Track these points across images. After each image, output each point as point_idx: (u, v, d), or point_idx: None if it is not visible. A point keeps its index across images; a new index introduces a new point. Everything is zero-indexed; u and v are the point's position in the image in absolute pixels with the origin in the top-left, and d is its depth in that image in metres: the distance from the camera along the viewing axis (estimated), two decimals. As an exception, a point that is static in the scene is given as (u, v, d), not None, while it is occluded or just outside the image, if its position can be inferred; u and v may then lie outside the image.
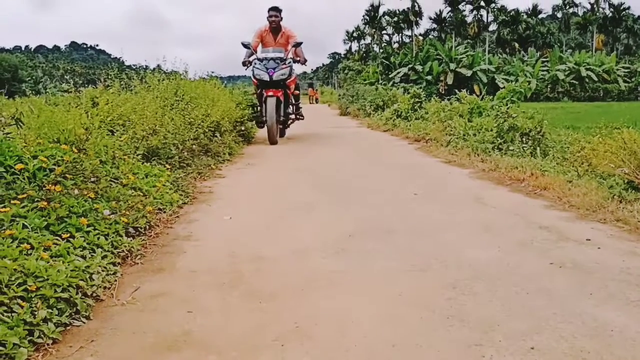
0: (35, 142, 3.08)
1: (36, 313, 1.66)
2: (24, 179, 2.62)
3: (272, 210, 3.57)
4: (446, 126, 7.17)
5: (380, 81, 36.00)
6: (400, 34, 71.61)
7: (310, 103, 38.38)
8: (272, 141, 7.54)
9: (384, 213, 3.43)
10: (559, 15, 71.92)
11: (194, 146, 5.16)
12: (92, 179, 3.01)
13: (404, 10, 67.58)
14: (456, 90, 9.24)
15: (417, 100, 10.73)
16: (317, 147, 7.44)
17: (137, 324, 1.82)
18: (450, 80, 38.67)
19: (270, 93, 7.61)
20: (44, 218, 2.36)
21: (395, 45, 68.28)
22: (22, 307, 1.65)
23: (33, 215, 2.33)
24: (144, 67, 9.75)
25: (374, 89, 17.26)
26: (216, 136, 6.04)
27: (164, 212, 3.26)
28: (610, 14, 62.72)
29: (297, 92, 8.57)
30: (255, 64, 7.86)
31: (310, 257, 2.55)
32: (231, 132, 7.02)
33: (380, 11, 70.54)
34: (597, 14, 61.48)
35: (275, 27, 8.27)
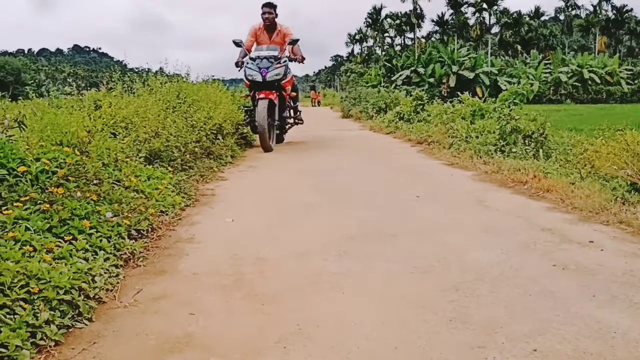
0: (38, 145, 3.08)
1: (38, 315, 1.66)
2: (26, 181, 2.62)
3: (274, 212, 3.57)
4: (448, 128, 7.16)
5: (383, 84, 35.98)
6: (403, 37, 71.66)
7: (312, 106, 38.42)
8: (265, 148, 6.97)
9: (386, 215, 3.42)
10: (562, 17, 71.88)
11: (196, 149, 5.17)
12: (95, 182, 3.01)
13: (406, 12, 67.66)
14: (458, 93, 9.23)
15: (419, 102, 10.73)
16: (319, 150, 7.44)
17: (140, 326, 1.82)
18: (452, 83, 38.63)
19: (262, 95, 7.01)
20: (46, 220, 2.36)
21: (398, 48, 68.26)
22: (24, 309, 1.65)
23: (35, 217, 2.34)
24: (146, 69, 9.75)
25: (376, 92, 17.26)
26: (218, 139, 6.04)
27: (166, 214, 3.26)
28: (613, 16, 62.70)
29: (294, 93, 7.93)
30: (247, 63, 7.26)
31: (312, 259, 2.55)
32: (233, 134, 7.02)
33: (383, 14, 70.65)
34: (600, 16, 61.45)
35: (269, 25, 7.74)
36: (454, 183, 4.58)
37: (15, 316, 1.61)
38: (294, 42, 7.45)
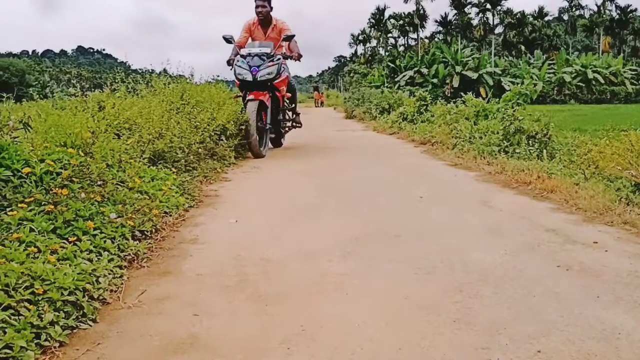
0: (42, 146, 3.09)
1: (43, 316, 1.66)
2: (31, 182, 2.63)
3: (277, 213, 3.57)
4: (452, 129, 7.16)
5: (386, 84, 35.98)
6: (406, 37, 71.63)
7: (316, 106, 38.45)
8: (255, 154, 6.39)
9: (390, 216, 3.42)
10: (565, 17, 71.74)
11: (200, 150, 5.18)
12: (99, 183, 3.02)
13: (409, 13, 67.60)
14: (462, 93, 9.22)
15: (423, 103, 10.73)
16: (323, 150, 7.43)
17: (144, 327, 1.82)
18: (456, 83, 38.61)
19: (252, 96, 6.44)
20: (50, 221, 2.37)
21: (401, 48, 68.28)
22: (29, 310, 1.65)
23: (40, 218, 2.35)
24: (150, 71, 9.75)
25: (379, 92, 17.28)
26: (222, 140, 6.05)
27: (170, 215, 3.27)
28: (617, 16, 62.52)
29: (289, 94, 7.29)
30: (237, 61, 6.68)
31: (316, 260, 2.55)
32: (237, 135, 7.02)
33: (386, 14, 70.62)
34: (604, 16, 61.30)
35: (264, 19, 7.11)
36: (457, 184, 4.57)
37: (20, 317, 1.62)
38: (289, 37, 6.89)
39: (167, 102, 5.61)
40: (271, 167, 5.75)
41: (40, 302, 1.72)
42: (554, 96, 39.70)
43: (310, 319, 1.89)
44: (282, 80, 6.85)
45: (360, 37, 76.62)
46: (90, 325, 1.81)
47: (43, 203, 2.50)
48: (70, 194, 2.66)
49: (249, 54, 6.61)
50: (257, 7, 7.02)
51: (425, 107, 10.59)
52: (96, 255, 2.27)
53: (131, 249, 2.51)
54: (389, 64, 46.31)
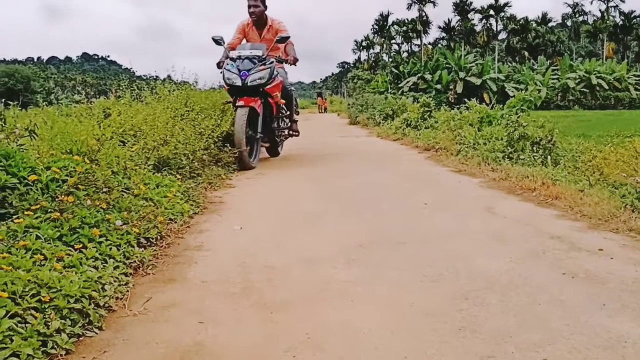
0: (48, 153, 3.11)
1: (49, 324, 1.67)
2: (37, 190, 2.64)
3: (282, 219, 3.58)
4: (456, 135, 7.16)
5: (390, 90, 36.06)
6: (409, 43, 71.79)
7: (319, 112, 38.52)
8: (243, 165, 5.82)
9: (394, 222, 3.42)
10: (569, 23, 71.79)
11: (204, 156, 5.19)
12: (104, 190, 3.03)
13: (412, 19, 67.79)
14: (466, 99, 9.23)
15: (426, 109, 10.73)
16: (326, 156, 7.43)
17: (149, 335, 1.83)
18: (459, 89, 38.68)
19: (241, 102, 5.93)
20: (57, 229, 2.38)
21: (405, 55, 68.44)
22: (35, 317, 1.66)
23: (46, 226, 2.36)
24: (154, 77, 9.77)
25: (383, 98, 17.31)
26: (226, 146, 6.06)
27: (175, 222, 3.28)
28: (621, 22, 62.54)
29: (283, 101, 6.69)
30: (226, 64, 6.17)
31: (320, 267, 2.55)
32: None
33: (390, 20, 70.83)
34: (607, 22, 61.30)
35: (258, 20, 6.61)
36: (461, 190, 4.57)
37: (27, 325, 1.62)
38: (283, 39, 6.34)
39: (171, 109, 5.63)
40: (275, 173, 5.76)
41: (46, 310, 1.72)
42: (557, 102, 39.71)
43: (316, 326, 1.89)
44: (276, 85, 6.31)
45: (364, 43, 76.87)
46: (96, 333, 1.81)
47: (49, 210, 2.51)
48: (76, 201, 2.67)
49: (239, 57, 6.11)
50: (249, 7, 6.56)
51: (429, 113, 10.60)
52: (102, 263, 2.28)
53: (136, 256, 2.51)
54: (393, 70, 46.44)
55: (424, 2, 66.00)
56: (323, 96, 45.41)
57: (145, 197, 3.36)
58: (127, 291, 2.18)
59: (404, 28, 69.42)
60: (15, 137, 3.15)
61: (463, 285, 2.27)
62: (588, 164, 4.73)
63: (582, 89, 40.87)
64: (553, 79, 42.40)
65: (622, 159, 4.06)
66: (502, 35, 67.27)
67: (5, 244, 2.09)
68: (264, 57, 6.10)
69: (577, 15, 68.70)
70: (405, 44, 72.72)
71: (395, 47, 73.25)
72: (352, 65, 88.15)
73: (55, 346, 1.64)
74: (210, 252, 2.81)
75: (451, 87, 39.98)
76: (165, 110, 5.41)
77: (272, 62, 6.15)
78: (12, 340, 1.53)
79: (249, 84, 5.95)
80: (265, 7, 6.62)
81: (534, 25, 65.26)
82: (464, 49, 46.59)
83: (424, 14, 66.14)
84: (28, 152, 3.02)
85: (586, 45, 71.43)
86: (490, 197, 4.16)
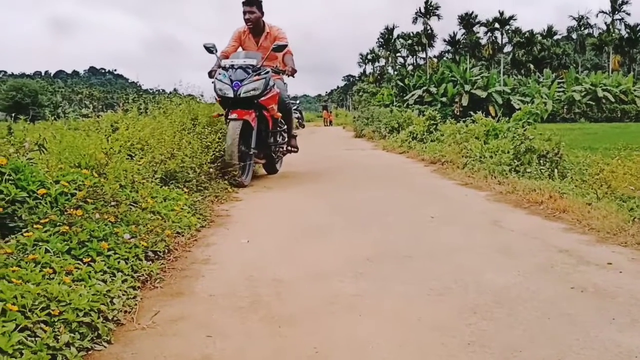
0: (57, 167, 3.13)
1: (59, 337, 1.67)
2: (46, 203, 2.66)
3: (289, 233, 3.58)
4: (462, 148, 7.17)
5: (395, 103, 36.14)
6: (415, 56, 72.05)
7: (324, 125, 38.60)
8: (235, 183, 5.40)
9: (401, 236, 3.42)
10: (574, 36, 71.90)
11: (211, 169, 5.20)
12: (112, 203, 3.05)
13: (417, 32, 68.10)
14: (471, 112, 9.25)
15: (432, 122, 10.75)
16: (332, 170, 7.44)
17: (158, 348, 1.83)
18: (465, 102, 38.73)
19: (234, 115, 5.56)
20: (65, 242, 2.39)
21: (410, 68, 68.64)
22: (45, 331, 1.67)
23: (55, 239, 2.37)
24: (161, 90, 9.81)
25: (388, 111, 17.34)
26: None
27: (182, 235, 3.28)
28: (627, 35, 62.58)
29: (279, 114, 6.17)
30: (218, 74, 5.75)
31: (328, 280, 2.55)
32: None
33: (395, 34, 71.15)
34: (613, 35, 61.37)
35: (254, 27, 6.19)
36: (468, 203, 4.56)
37: (37, 338, 1.63)
38: (280, 47, 5.87)
39: (178, 123, 5.66)
40: (281, 186, 5.77)
41: (56, 324, 1.73)
42: (563, 114, 39.68)
43: (324, 340, 1.89)
44: (271, 97, 5.86)
45: (369, 57, 77.23)
46: (105, 347, 1.82)
47: (58, 224, 2.52)
48: (85, 215, 2.68)
49: (232, 66, 5.68)
50: (244, 13, 6.12)
51: (434, 126, 10.62)
52: (110, 276, 2.28)
53: (144, 270, 2.52)
54: (398, 83, 46.56)
55: (429, 16, 66.33)
56: (328, 109, 45.48)
57: (153, 210, 3.37)
58: (136, 305, 2.18)
59: (409, 41, 69.74)
60: (24, 151, 3.18)
61: (471, 299, 2.26)
62: (595, 177, 4.72)
63: (588, 102, 40.84)
64: (559, 91, 42.42)
65: (629, 172, 4.05)
66: (508, 48, 67.42)
67: (15, 258, 2.10)
68: (258, 66, 5.69)
69: (582, 28, 68.85)
70: (410, 57, 73.04)
71: (400, 60, 73.54)
72: (357, 78, 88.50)
73: (65, 360, 1.64)
74: (218, 265, 2.82)
75: (456, 100, 40.03)
76: (172, 124, 5.44)
77: (267, 72, 5.74)
78: (22, 354, 1.54)
79: (242, 95, 5.54)
80: (262, 13, 6.22)
81: (540, 38, 65.42)
82: (469, 62, 46.67)
83: (429, 27, 66.42)
84: (37, 166, 3.04)
85: (592, 57, 71.50)
86: (497, 211, 4.15)
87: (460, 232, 3.49)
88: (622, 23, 63.37)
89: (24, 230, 2.41)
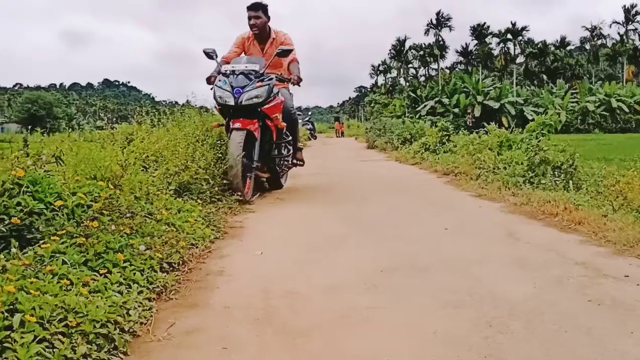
0: (73, 179, 3.16)
1: (76, 349, 1.68)
2: (63, 215, 2.69)
3: (302, 244, 3.58)
4: (475, 159, 7.14)
5: (407, 114, 36.13)
6: (427, 67, 72.09)
7: (337, 136, 38.65)
8: (236, 189, 5.03)
9: (415, 248, 3.41)
10: (587, 47, 71.60)
11: (224, 181, 5.22)
12: (128, 215, 3.07)
13: (429, 44, 68.19)
14: (484, 123, 9.22)
15: (445, 133, 10.73)
16: (345, 181, 7.44)
17: (173, 360, 1.83)
18: (477, 113, 38.64)
19: (237, 125, 5.15)
20: (82, 254, 2.41)
21: (422, 79, 68.68)
22: (63, 342, 1.68)
23: (72, 251, 2.39)
24: (174, 102, 9.84)
25: (400, 122, 17.33)
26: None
27: (197, 247, 3.30)
28: (640, 45, 62.20)
29: (284, 124, 5.72)
30: (218, 80, 5.36)
31: (343, 292, 2.54)
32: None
33: (407, 45, 71.29)
34: (627, 45, 61.02)
35: (260, 33, 5.83)
36: (482, 215, 4.54)
37: (54, 350, 1.64)
38: (285, 52, 5.48)
39: (192, 135, 5.69)
40: (294, 197, 5.77)
41: (73, 335, 1.74)
42: (577, 125, 39.41)
43: (339, 353, 1.89)
44: (275, 105, 5.46)
45: (381, 68, 77.42)
46: (122, 358, 1.82)
47: (75, 235, 2.55)
48: (101, 227, 2.71)
49: (233, 72, 5.30)
50: (249, 18, 5.76)
51: (447, 137, 10.59)
52: (126, 288, 2.30)
53: (160, 281, 2.53)
54: (410, 94, 46.58)
55: (440, 27, 66.46)
56: (340, 120, 45.54)
57: (168, 222, 3.39)
58: (151, 316, 2.19)
59: (421, 52, 69.83)
60: (42, 164, 3.22)
61: (487, 311, 2.25)
62: (611, 188, 4.68)
63: (602, 112, 40.57)
64: (572, 102, 42.19)
65: (646, 184, 4.01)
66: (520, 59, 67.24)
67: (33, 269, 2.12)
68: (261, 72, 5.31)
69: (595, 39, 68.54)
70: (422, 68, 73.09)
71: (412, 71, 73.64)
72: (369, 89, 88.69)
73: (82, 371, 1.65)
74: (232, 277, 2.82)
75: (469, 111, 39.95)
76: (186, 136, 5.46)
77: (271, 79, 5.34)
78: (40, 366, 1.55)
79: (243, 103, 5.14)
80: (268, 18, 5.85)
81: (552, 48, 65.20)
82: (482, 73, 46.62)
83: (440, 38, 66.52)
84: (54, 178, 3.08)
85: (605, 68, 71.09)
86: (511, 222, 4.13)
87: (475, 244, 3.47)
88: (636, 33, 63.07)
89: (41, 241, 2.43)
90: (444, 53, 67.23)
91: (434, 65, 69.04)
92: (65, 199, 2.78)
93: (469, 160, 7.40)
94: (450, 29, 67.24)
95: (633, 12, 62.24)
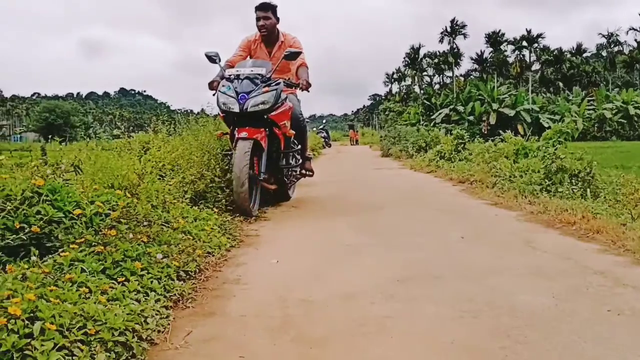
0: (91, 188, 3.20)
1: (95, 356, 1.70)
2: (81, 223, 2.71)
3: (318, 253, 3.58)
4: (491, 167, 7.10)
5: (422, 122, 36.05)
6: (441, 75, 71.97)
7: (351, 144, 38.69)
8: (243, 211, 4.69)
9: (431, 257, 3.39)
10: (604, 53, 71.02)
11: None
12: (145, 223, 3.10)
13: (444, 51, 68.10)
14: (500, 131, 9.18)
15: (460, 141, 10.70)
16: (360, 189, 7.44)
17: (191, 369, 1.84)
18: (493, 121, 38.43)
19: (244, 133, 4.78)
20: (100, 262, 2.44)
21: (436, 87, 68.55)
22: (82, 350, 1.69)
23: (90, 259, 2.41)
24: (189, 111, 9.91)
25: (415, 130, 17.30)
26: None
27: (213, 255, 3.31)
28: (658, 51, 61.59)
29: (292, 132, 5.38)
30: (221, 86, 5.00)
31: (358, 301, 2.54)
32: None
33: (421, 53, 71.25)
34: (644, 51, 60.43)
35: (268, 35, 5.52)
36: (499, 223, 4.51)
37: (74, 357, 1.66)
38: (292, 55, 5.11)
39: (207, 143, 5.72)
40: (309, 206, 5.78)
41: (92, 343, 1.76)
42: (594, 133, 39.02)
43: (356, 362, 1.88)
44: (283, 112, 5.14)
45: (395, 76, 77.41)
46: (139, 367, 1.84)
47: (93, 244, 2.57)
48: (119, 235, 2.73)
49: (237, 76, 4.94)
50: (257, 19, 5.44)
51: (462, 145, 10.56)
52: (144, 296, 2.31)
53: (176, 290, 2.54)
54: (425, 102, 46.51)
55: (455, 35, 66.35)
56: (355, 129, 45.56)
57: (184, 230, 3.42)
58: (168, 324, 2.20)
59: (436, 60, 69.76)
60: (61, 172, 3.26)
61: (504, 321, 2.23)
62: (630, 197, 4.63)
63: (619, 120, 40.14)
64: (589, 109, 41.82)
65: (665, 192, 3.96)
66: (536, 66, 66.91)
67: (53, 277, 2.15)
68: (268, 76, 4.95)
69: (612, 46, 67.97)
70: (437, 75, 73.02)
71: (426, 79, 73.55)
72: (383, 97, 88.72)
73: (101, 379, 1.66)
74: (248, 285, 2.83)
75: (484, 118, 39.75)
76: (201, 145, 5.49)
77: (278, 83, 5.01)
78: (59, 373, 1.56)
79: (249, 109, 4.78)
80: (278, 20, 5.55)
81: (568, 56, 64.79)
82: (497, 81, 46.41)
83: (455, 46, 66.40)
84: (73, 186, 3.12)
85: (622, 75, 70.43)
86: (528, 231, 4.09)
87: (491, 253, 3.45)
88: (654, 40, 62.43)
89: (60, 250, 2.46)
90: (458, 60, 67.12)
91: (449, 73, 68.93)
92: (83, 208, 2.81)
93: (484, 168, 7.36)
94: (465, 37, 67.12)
95: (650, 18, 61.62)
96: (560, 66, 64.05)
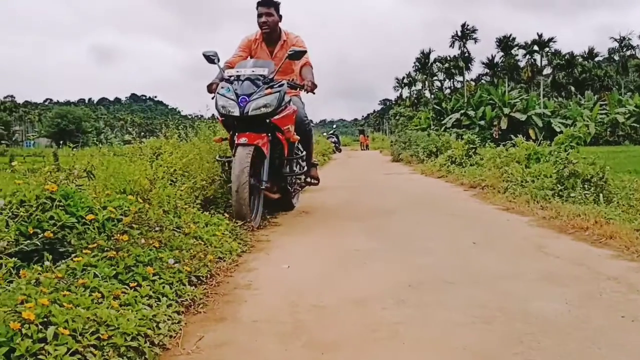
0: (104, 193, 3.22)
1: (108, 361, 1.70)
2: (94, 229, 2.73)
3: (329, 258, 3.58)
4: (503, 172, 7.07)
5: (432, 127, 35.97)
6: (452, 80, 71.81)
7: (361, 149, 38.70)
8: (241, 216, 4.30)
9: (443, 262, 3.38)
10: (616, 57, 70.55)
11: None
12: (157, 229, 3.11)
13: (454, 56, 67.99)
14: (511, 136, 9.13)
15: (471, 146, 10.66)
16: (371, 194, 7.43)
17: (202, 374, 1.84)
18: (504, 125, 38.24)
19: (244, 139, 4.45)
20: (112, 267, 2.45)
21: (447, 91, 68.39)
22: (95, 355, 1.70)
23: (103, 264, 2.43)
24: (200, 116, 9.95)
25: (426, 135, 17.27)
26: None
27: (224, 260, 3.32)
28: (671, 55, 61.10)
29: (297, 137, 5.06)
30: (220, 87, 4.65)
31: (370, 307, 2.53)
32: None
33: (431, 57, 71.16)
34: (657, 55, 59.97)
35: (270, 33, 5.22)
36: (510, 229, 4.49)
37: (87, 362, 1.67)
38: (297, 54, 4.79)
39: (218, 149, 5.74)
40: (319, 212, 5.78)
41: (105, 348, 1.76)
42: (607, 137, 38.70)
43: (367, 368, 1.88)
44: (287, 116, 4.78)
45: (406, 81, 77.30)
46: (151, 371, 1.84)
47: (106, 249, 2.59)
48: (131, 240, 2.75)
49: (238, 77, 4.60)
50: (259, 16, 5.15)
51: (473, 150, 10.52)
52: (155, 301, 2.32)
53: (188, 295, 2.55)
54: (435, 106, 46.41)
55: (465, 39, 66.25)
56: (365, 133, 45.56)
57: (196, 235, 3.43)
58: (180, 329, 2.20)
59: (446, 65, 69.64)
60: (73, 178, 3.28)
61: (517, 327, 2.21)
62: (643, 202, 4.59)
63: (632, 124, 39.79)
64: (601, 114, 41.51)
65: (679, 197, 3.93)
66: (547, 71, 66.60)
67: (66, 282, 2.16)
68: (270, 77, 4.61)
69: (624, 50, 67.56)
70: (447, 80, 72.84)
71: (437, 83, 73.41)
72: (394, 102, 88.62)
73: (113, 384, 1.67)
74: (260, 290, 2.83)
75: (495, 123, 39.57)
76: (210, 150, 5.50)
77: (281, 85, 4.67)
78: (72, 378, 1.57)
79: (250, 113, 4.44)
80: (280, 18, 5.25)
81: (580, 60, 64.44)
82: (508, 85, 46.23)
83: (465, 50, 66.29)
84: (85, 192, 3.14)
85: (635, 79, 69.89)
86: (541, 236, 4.07)
87: (504, 258, 3.43)
88: (666, 43, 62.00)
89: (73, 255, 2.48)
90: (469, 65, 67.00)
91: (459, 78, 68.77)
92: (96, 213, 2.83)
93: (496, 173, 7.33)
94: (476, 41, 67.07)
95: (663, 22, 61.23)
96: (572, 70, 63.69)
